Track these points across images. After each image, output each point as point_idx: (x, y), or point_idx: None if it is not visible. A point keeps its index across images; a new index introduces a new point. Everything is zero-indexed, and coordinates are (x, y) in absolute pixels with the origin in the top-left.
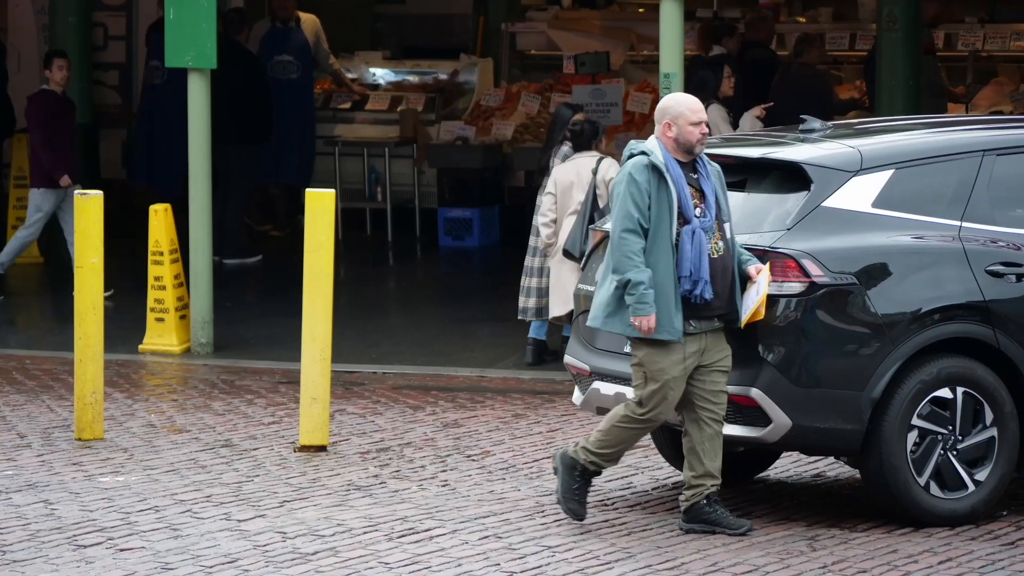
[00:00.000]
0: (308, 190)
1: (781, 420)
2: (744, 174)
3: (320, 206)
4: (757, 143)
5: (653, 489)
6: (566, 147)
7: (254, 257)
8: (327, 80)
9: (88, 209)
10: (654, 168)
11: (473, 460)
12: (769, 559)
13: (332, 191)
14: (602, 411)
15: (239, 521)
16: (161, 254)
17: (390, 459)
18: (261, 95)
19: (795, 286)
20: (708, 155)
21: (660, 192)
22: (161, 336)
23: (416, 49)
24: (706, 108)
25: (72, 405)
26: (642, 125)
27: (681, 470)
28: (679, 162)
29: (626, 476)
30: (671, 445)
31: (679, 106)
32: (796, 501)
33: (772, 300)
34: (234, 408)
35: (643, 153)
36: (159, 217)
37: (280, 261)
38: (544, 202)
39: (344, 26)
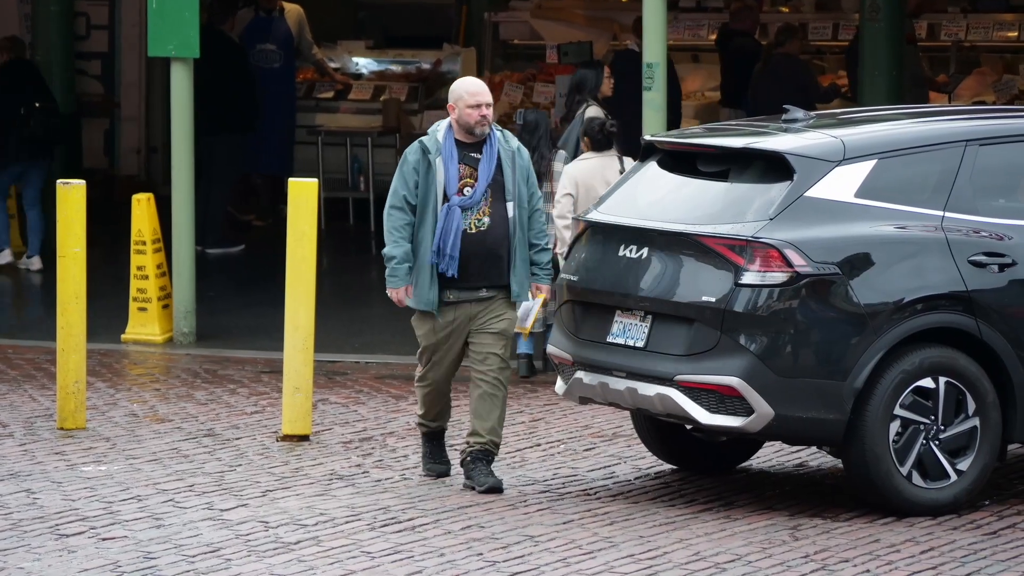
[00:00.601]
0: (291, 179)
1: (763, 410)
2: (727, 164)
3: (303, 196)
4: (740, 133)
5: (635, 479)
6: (562, 152)
7: (237, 246)
8: (310, 70)
9: (70, 198)
10: (424, 150)
11: (455, 450)
12: (751, 548)
13: (315, 181)
14: (584, 400)
15: (222, 511)
16: (144, 243)
17: (373, 448)
18: (245, 85)
19: (778, 276)
20: (691, 144)
21: (428, 171)
22: (144, 325)
23: (399, 38)
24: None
25: (55, 394)
26: None
27: (663, 460)
28: (463, 142)
29: (608, 466)
30: (654, 435)
31: (460, 90)
32: (779, 490)
33: (756, 289)
34: (217, 398)
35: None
36: (142, 206)
37: (263, 250)
38: (563, 204)
39: (327, 15)
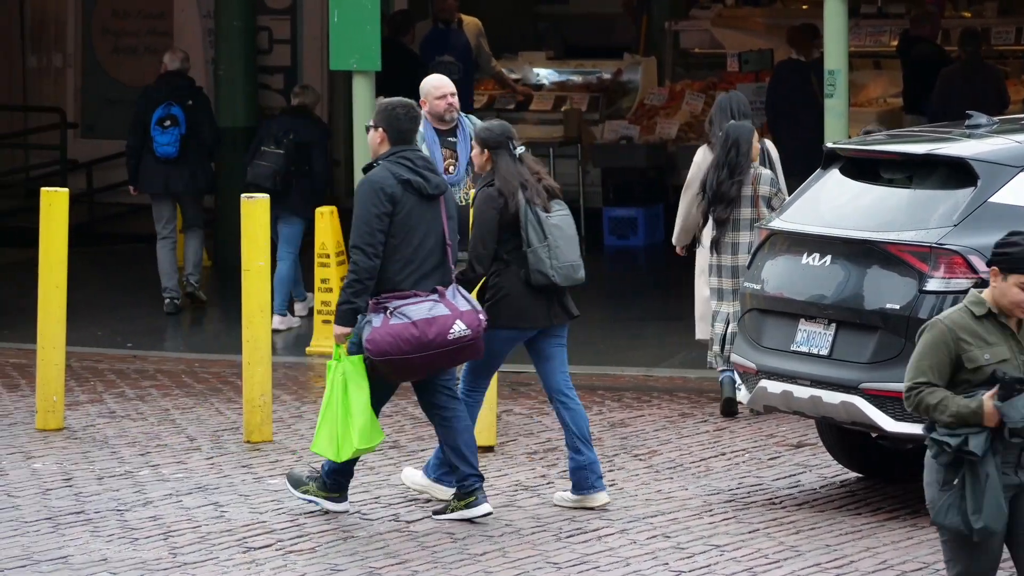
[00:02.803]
0: (472, 191)
1: None
2: (910, 170)
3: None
4: (923, 139)
5: (821, 487)
6: (767, 173)
7: None
8: (491, 81)
9: (255, 212)
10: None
11: (640, 459)
12: (939, 556)
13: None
14: (768, 409)
15: (408, 522)
16: (327, 256)
17: (557, 459)
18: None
19: (963, 283)
20: (874, 151)
21: None
22: (328, 338)
23: (579, 49)
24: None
25: (241, 408)
26: None
27: (849, 468)
28: (439, 129)
29: (794, 475)
30: (839, 444)
31: (427, 86)
32: None
33: (941, 296)
34: (402, 410)
35: None
36: (325, 219)
37: None
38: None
39: (506, 27)
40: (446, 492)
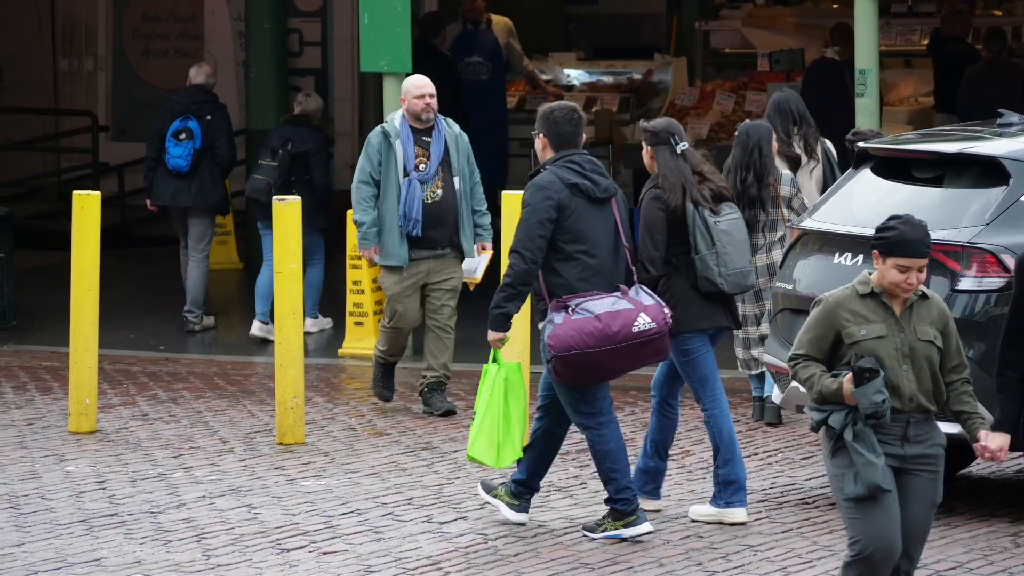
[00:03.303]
0: (504, 192)
1: (983, 415)
2: (941, 169)
3: (516, 208)
4: (954, 138)
5: None
6: (788, 174)
7: None
8: (522, 82)
9: (287, 214)
10: (385, 134)
11: (673, 460)
12: (972, 555)
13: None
14: (801, 409)
15: (440, 523)
16: (359, 258)
17: (590, 460)
18: (455, 98)
19: (995, 281)
20: (905, 150)
21: (389, 151)
22: (360, 340)
23: (610, 49)
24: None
25: (273, 410)
26: None
27: None
28: (415, 128)
29: (826, 475)
30: None
31: (408, 85)
32: (999, 497)
33: (973, 295)
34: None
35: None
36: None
37: None
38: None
39: (537, 27)
40: (735, 514)
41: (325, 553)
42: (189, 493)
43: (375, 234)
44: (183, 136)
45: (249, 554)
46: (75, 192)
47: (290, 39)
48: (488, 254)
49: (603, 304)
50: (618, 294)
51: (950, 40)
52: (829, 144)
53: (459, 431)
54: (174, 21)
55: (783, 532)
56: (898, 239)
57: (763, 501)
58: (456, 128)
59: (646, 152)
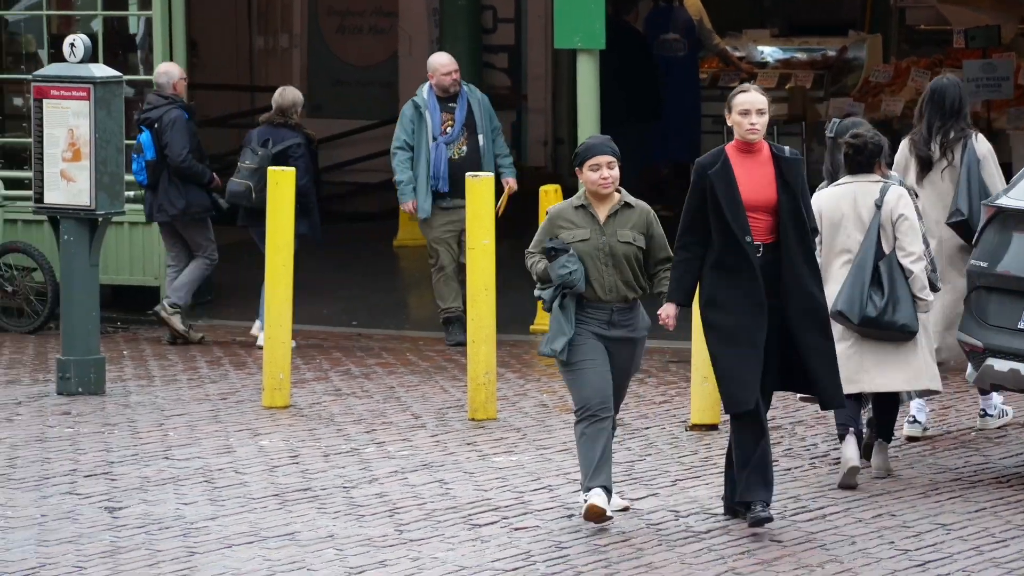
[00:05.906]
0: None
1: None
2: None
3: None
4: None
5: None
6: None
7: None
8: (714, 59)
9: (479, 190)
10: (416, 106)
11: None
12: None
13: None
14: (995, 387)
15: (632, 500)
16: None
17: (782, 437)
18: (649, 75)
19: None
20: None
21: (419, 120)
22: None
23: (804, 26)
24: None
25: (465, 386)
26: None
27: None
28: (442, 98)
29: (1022, 453)
30: None
31: (435, 63)
32: (993, 493)
33: None
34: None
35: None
36: (549, 197)
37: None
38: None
39: (732, 4)
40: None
41: (516, 529)
42: (381, 468)
43: (412, 190)
44: (136, 150)
45: (441, 529)
46: (270, 168)
47: (484, 16)
48: (509, 188)
49: None
50: None
51: None
52: (977, 143)
53: (650, 408)
54: None
55: (976, 511)
56: (582, 152)
57: (956, 480)
58: (478, 92)
59: None
